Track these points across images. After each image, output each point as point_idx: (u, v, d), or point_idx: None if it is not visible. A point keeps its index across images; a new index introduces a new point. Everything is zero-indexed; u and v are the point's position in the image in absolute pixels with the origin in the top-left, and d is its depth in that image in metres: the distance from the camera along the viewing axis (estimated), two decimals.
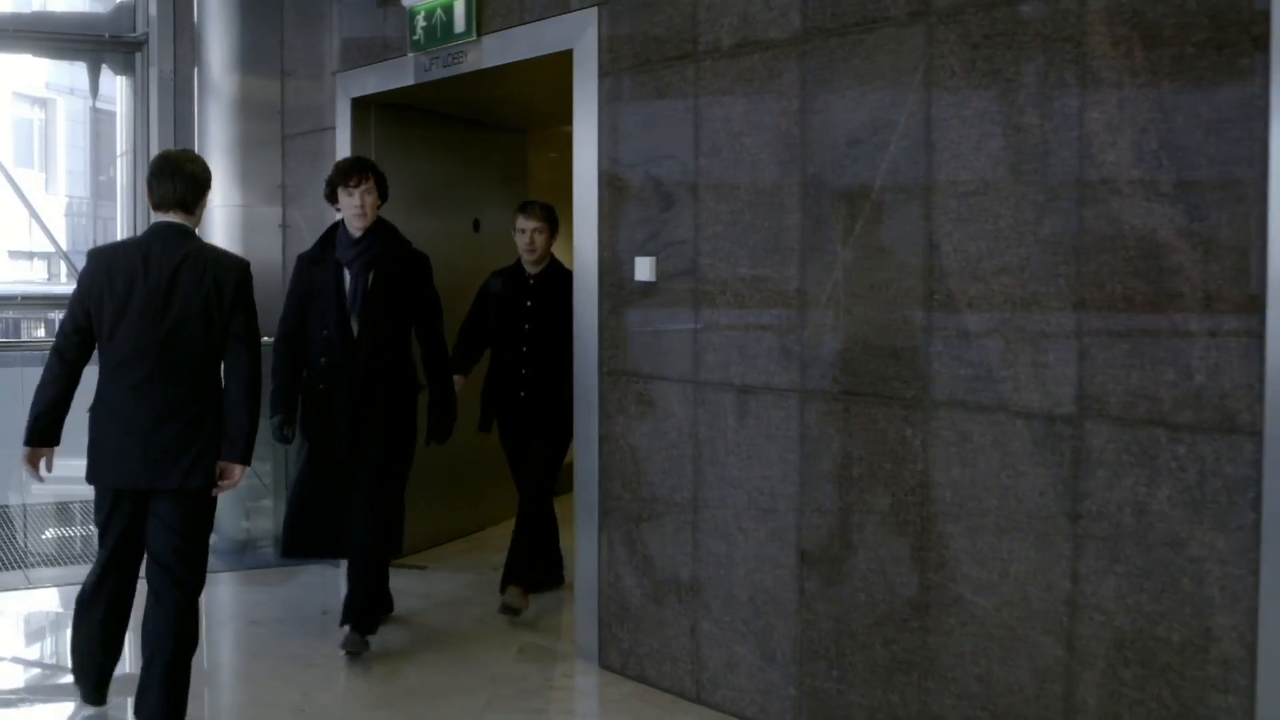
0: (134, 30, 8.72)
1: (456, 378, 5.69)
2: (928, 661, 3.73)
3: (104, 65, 8.90)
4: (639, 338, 4.65)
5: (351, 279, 5.05)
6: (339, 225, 5.17)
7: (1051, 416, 3.40)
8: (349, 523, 5.03)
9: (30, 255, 21.12)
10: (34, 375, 8.26)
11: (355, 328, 5.02)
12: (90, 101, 9.12)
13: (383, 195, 5.14)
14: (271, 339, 5.07)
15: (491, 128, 7.31)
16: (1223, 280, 3.05)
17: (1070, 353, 3.36)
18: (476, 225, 7.17)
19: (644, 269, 4.57)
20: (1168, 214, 3.15)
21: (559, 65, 5.14)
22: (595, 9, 4.77)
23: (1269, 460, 2.97)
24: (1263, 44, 2.97)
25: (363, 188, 5.01)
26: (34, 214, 9.49)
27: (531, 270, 5.69)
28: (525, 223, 5.63)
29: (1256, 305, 2.99)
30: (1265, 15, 2.96)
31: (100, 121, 9.55)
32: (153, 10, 8.37)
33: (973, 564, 3.60)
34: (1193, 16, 3.10)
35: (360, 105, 6.38)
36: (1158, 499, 3.19)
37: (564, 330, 5.28)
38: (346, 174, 5.04)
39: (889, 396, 3.81)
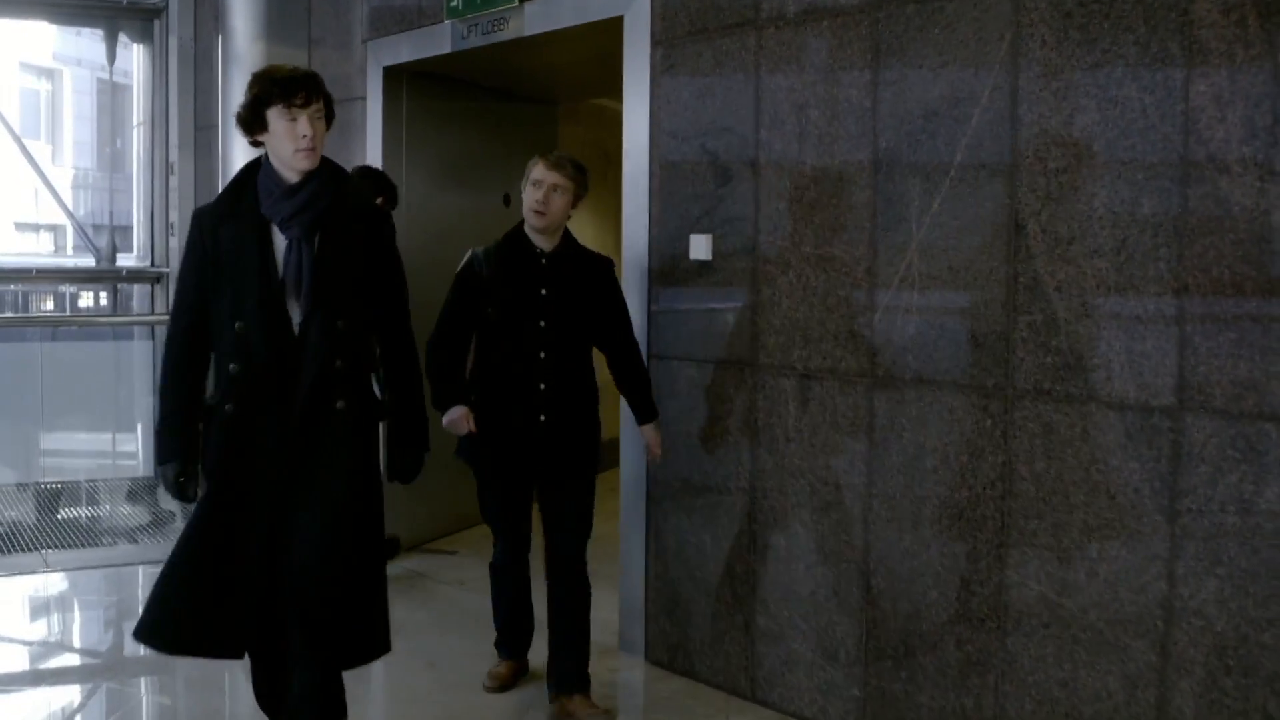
0: None
1: (455, 411, 4.17)
2: (1005, 664, 3.54)
3: (120, 33, 8.68)
4: (692, 319, 4.45)
5: (288, 245, 3.38)
6: (259, 168, 3.46)
7: (1148, 408, 3.21)
8: (301, 618, 3.36)
9: (37, 227, 20.94)
10: (49, 351, 8.22)
11: (296, 318, 3.37)
12: (99, 72, 8.93)
13: (329, 123, 3.53)
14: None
15: (522, 100, 7.10)
16: None
17: (1170, 341, 3.16)
18: (507, 200, 6.97)
19: (700, 247, 4.36)
20: None
21: (601, 34, 4.94)
22: None
23: None
24: None
25: (311, 109, 3.36)
26: (48, 185, 9.29)
27: (543, 245, 4.18)
28: (545, 173, 4.14)
29: None
30: None
31: (108, 93, 9.36)
32: None
33: (1057, 563, 3.41)
34: None
35: (392, 74, 6.16)
36: (1266, 497, 3.00)
37: (592, 329, 4.25)
38: (289, 88, 3.35)
39: (967, 385, 3.61)
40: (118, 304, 9.02)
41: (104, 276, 8.81)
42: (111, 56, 8.72)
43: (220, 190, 3.45)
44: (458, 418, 4.16)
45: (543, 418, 4.11)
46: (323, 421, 3.38)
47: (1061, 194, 3.37)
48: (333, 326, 3.37)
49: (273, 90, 3.35)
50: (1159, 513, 3.19)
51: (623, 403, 4.60)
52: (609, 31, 4.82)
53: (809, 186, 4.02)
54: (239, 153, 6.68)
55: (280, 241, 3.39)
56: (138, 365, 8.65)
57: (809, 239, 4.03)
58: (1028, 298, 3.45)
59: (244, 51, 6.79)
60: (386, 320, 3.58)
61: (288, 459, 3.35)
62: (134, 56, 8.75)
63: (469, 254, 4.25)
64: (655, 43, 4.55)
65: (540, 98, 7.24)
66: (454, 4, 5.51)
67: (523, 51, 5.57)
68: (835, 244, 3.95)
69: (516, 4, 5.17)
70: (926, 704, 3.75)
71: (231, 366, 3.36)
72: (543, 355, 4.12)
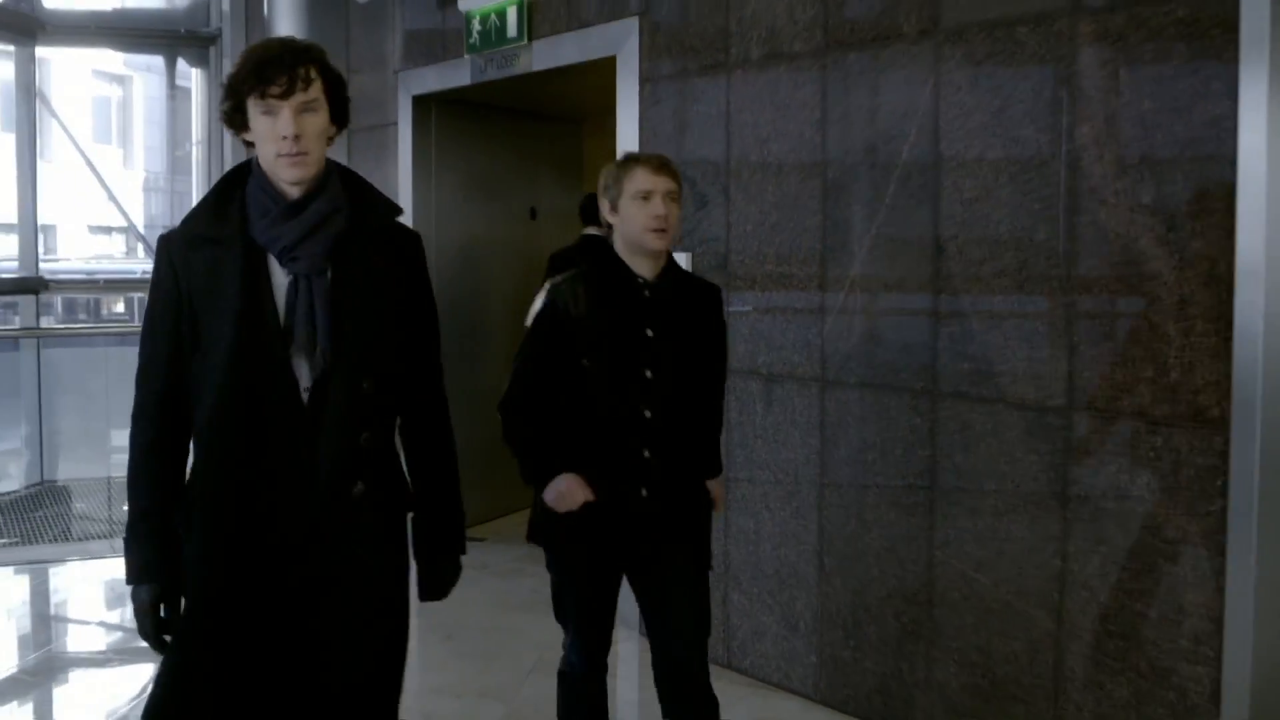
0: (208, 25, 9.12)
1: (562, 481, 3.21)
2: (933, 632, 4.04)
3: (179, 58, 9.32)
4: None
5: (291, 283, 2.48)
6: (247, 174, 2.57)
7: (1044, 408, 3.69)
8: None
9: (109, 230, 21.77)
10: (118, 354, 8.88)
11: (304, 381, 2.46)
12: (167, 84, 9.57)
13: (339, 118, 2.58)
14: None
15: (548, 119, 7.63)
16: (1195, 285, 3.32)
17: (1061, 349, 3.64)
18: (533, 213, 7.52)
19: (680, 264, 4.86)
20: (1148, 224, 3.42)
21: (606, 67, 5.44)
22: (636, 19, 5.08)
23: (1235, 451, 3.25)
24: (1233, 69, 3.23)
25: (294, 100, 2.42)
26: (110, 193, 9.92)
27: (645, 271, 3.25)
28: (654, 180, 3.16)
29: (1225, 309, 3.26)
30: (1234, 39, 3.22)
31: (176, 99, 9.99)
32: (225, 6, 8.78)
33: (974, 543, 3.90)
34: (1171, 42, 3.36)
35: (421, 102, 6.72)
36: (1137, 485, 3.48)
37: (705, 380, 3.42)
38: (265, 71, 2.42)
39: (900, 387, 4.10)
40: None
41: None
42: (171, 80, 9.36)
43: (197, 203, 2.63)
44: (566, 489, 3.19)
45: (644, 492, 3.22)
46: (338, 516, 2.50)
47: (974, 220, 3.86)
48: (357, 389, 2.49)
49: (248, 76, 2.43)
50: (1054, 499, 3.68)
51: None
52: (609, 66, 5.34)
53: (770, 211, 4.53)
54: None
55: (280, 277, 2.49)
56: None
57: (771, 258, 4.54)
58: (948, 311, 3.95)
59: None
60: (414, 374, 2.69)
61: (295, 572, 2.49)
62: (192, 79, 9.40)
63: (546, 290, 3.35)
64: (643, 80, 5.07)
65: (565, 117, 7.77)
66: (472, 41, 6.05)
67: (538, 82, 6.09)
68: (792, 263, 4.45)
69: (525, 42, 5.71)
70: (871, 669, 4.26)
71: (200, 454, 2.51)
72: (648, 414, 3.20)
